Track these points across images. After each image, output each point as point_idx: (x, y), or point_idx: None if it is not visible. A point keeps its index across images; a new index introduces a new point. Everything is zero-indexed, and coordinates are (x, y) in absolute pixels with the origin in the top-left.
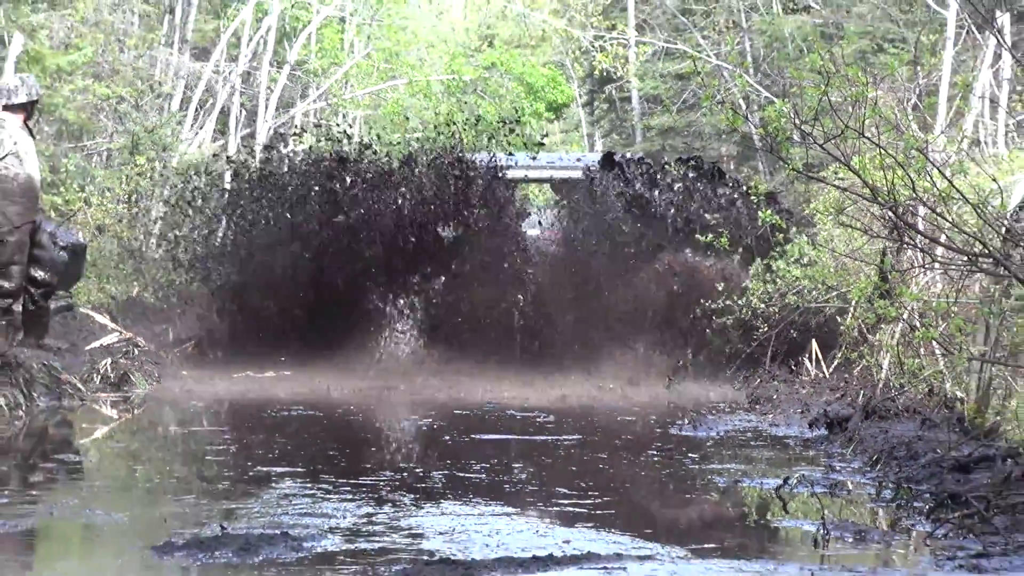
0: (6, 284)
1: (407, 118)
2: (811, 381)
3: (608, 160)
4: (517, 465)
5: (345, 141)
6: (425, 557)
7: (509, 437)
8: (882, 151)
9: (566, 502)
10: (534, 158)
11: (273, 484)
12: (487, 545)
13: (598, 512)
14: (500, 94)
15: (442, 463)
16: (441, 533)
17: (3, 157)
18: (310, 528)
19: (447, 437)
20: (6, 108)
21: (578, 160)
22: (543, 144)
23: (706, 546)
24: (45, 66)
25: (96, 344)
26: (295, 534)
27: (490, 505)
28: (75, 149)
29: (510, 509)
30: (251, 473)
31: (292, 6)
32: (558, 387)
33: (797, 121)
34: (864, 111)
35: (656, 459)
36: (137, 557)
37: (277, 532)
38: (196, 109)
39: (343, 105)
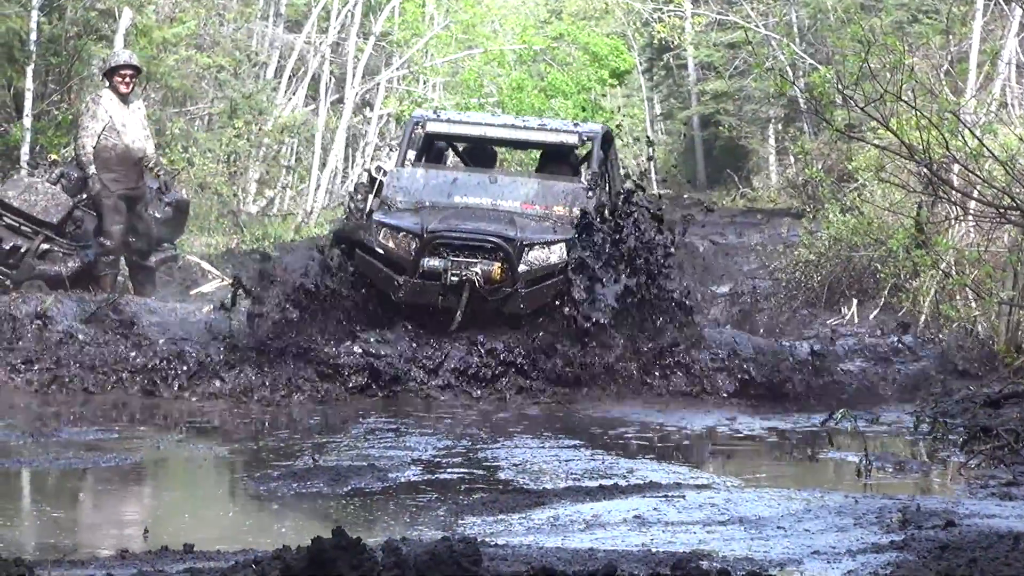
0: (108, 243)
1: (482, 84)
2: (850, 325)
3: (607, 139)
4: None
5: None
6: (500, 487)
7: None
8: (918, 113)
9: (630, 434)
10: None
11: (360, 420)
12: (557, 475)
13: (659, 445)
14: (567, 62)
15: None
16: (515, 465)
17: (101, 131)
18: (394, 460)
19: None
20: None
21: (575, 126)
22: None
23: (758, 476)
24: (152, 38)
25: (199, 290)
26: (381, 466)
27: (559, 439)
28: (179, 114)
29: (577, 442)
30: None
31: None
32: None
33: (840, 86)
34: (901, 77)
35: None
36: (238, 487)
37: (364, 464)
38: (289, 77)
39: (424, 73)
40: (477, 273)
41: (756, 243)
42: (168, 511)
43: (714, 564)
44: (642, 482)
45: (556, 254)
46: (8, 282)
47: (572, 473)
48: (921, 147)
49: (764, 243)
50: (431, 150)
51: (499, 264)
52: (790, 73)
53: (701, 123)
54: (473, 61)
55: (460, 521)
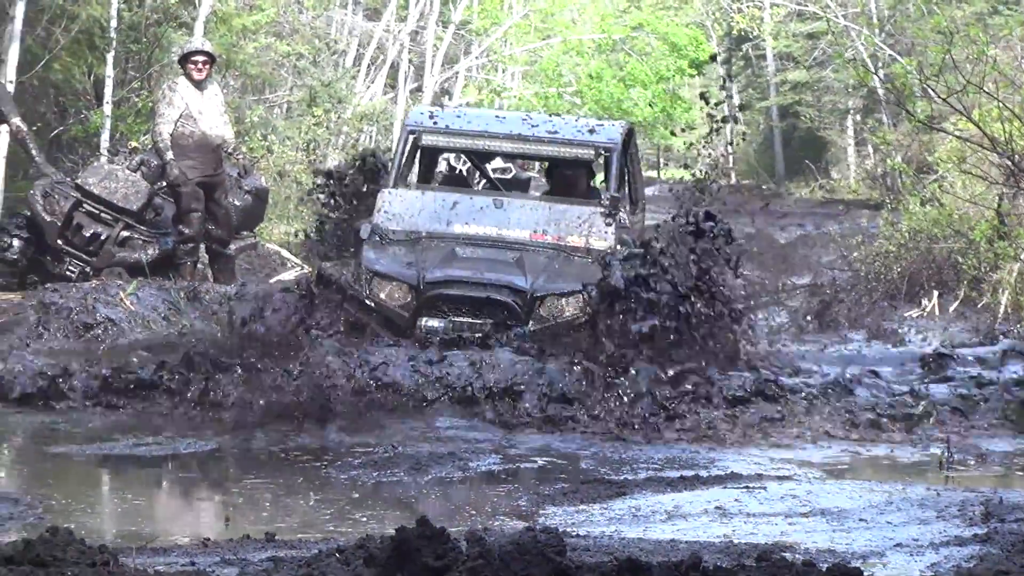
0: (187, 230)
1: (561, 73)
2: (931, 316)
3: (629, 135)
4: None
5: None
6: (580, 477)
7: None
8: (1001, 104)
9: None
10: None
11: (438, 410)
12: (637, 466)
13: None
14: (646, 52)
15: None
16: (594, 455)
17: (177, 118)
18: (474, 449)
19: None
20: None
21: (591, 132)
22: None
23: (839, 467)
24: (231, 26)
25: (278, 278)
26: (461, 454)
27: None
28: (258, 101)
29: (657, 434)
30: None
31: None
32: None
33: (921, 77)
34: (984, 68)
35: None
36: (318, 475)
37: (444, 452)
38: (368, 65)
39: (502, 61)
40: (479, 337)
41: (835, 234)
42: (248, 499)
43: (797, 556)
44: (723, 473)
45: (572, 306)
46: (89, 269)
47: (652, 463)
48: (1003, 138)
49: (843, 234)
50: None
51: (504, 324)
52: (870, 64)
53: (780, 114)
54: (551, 50)
55: (541, 511)
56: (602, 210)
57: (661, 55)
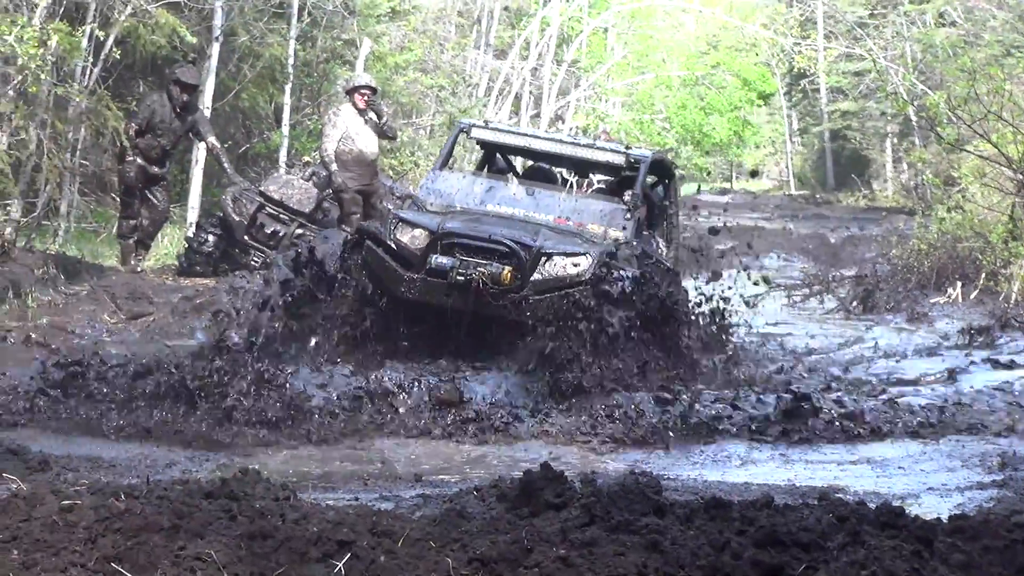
0: (349, 230)
1: (653, 103)
2: (954, 304)
3: (663, 169)
4: None
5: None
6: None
7: None
8: (1015, 129)
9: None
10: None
11: None
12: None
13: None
14: (722, 86)
15: None
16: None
17: (339, 138)
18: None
19: None
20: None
21: (626, 148)
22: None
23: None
24: (386, 63)
25: None
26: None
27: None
28: (407, 124)
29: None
30: None
31: (568, 20)
32: None
33: (949, 107)
34: (1001, 99)
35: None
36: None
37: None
38: (496, 95)
39: (605, 93)
40: (483, 273)
41: (876, 235)
42: (400, 445)
43: (849, 497)
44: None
45: (576, 267)
46: (269, 260)
47: (729, 417)
48: (1017, 157)
49: (883, 235)
50: (492, 165)
51: (509, 268)
52: (906, 96)
53: (831, 136)
54: (645, 84)
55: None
56: (623, 206)
57: (734, 88)
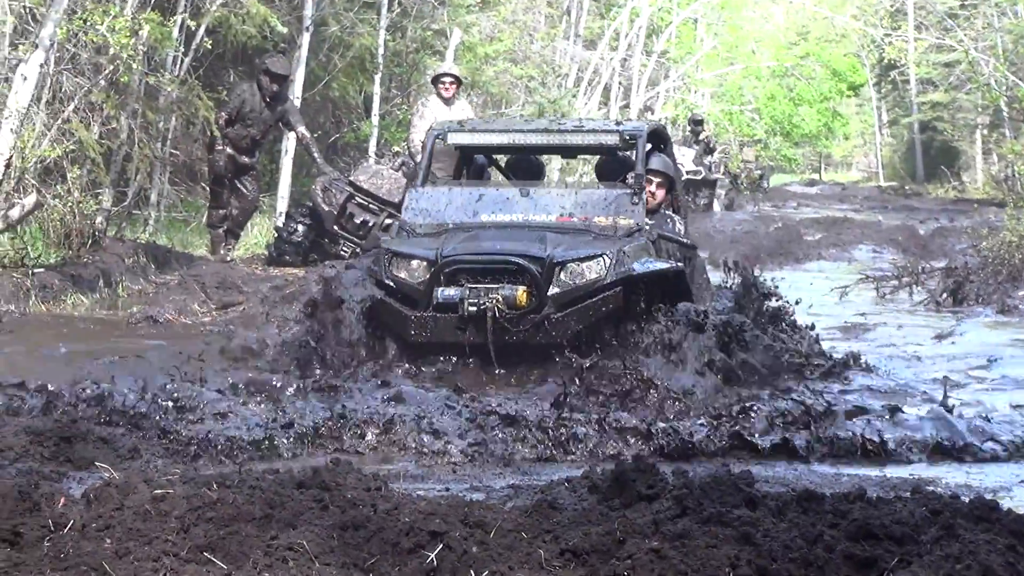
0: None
1: (743, 94)
2: None
3: (659, 138)
4: None
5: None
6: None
7: None
8: None
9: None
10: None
11: None
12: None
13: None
14: (812, 76)
15: None
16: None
17: (428, 128)
18: None
19: None
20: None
21: (616, 124)
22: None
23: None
24: (476, 53)
25: None
26: None
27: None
28: (497, 114)
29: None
30: None
31: (658, 10)
32: None
33: None
34: None
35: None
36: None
37: None
38: (585, 86)
39: (695, 84)
40: (497, 300)
41: (966, 227)
42: (490, 438)
43: (940, 490)
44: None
45: (594, 270)
46: (358, 250)
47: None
48: None
49: (973, 227)
50: (471, 166)
51: (523, 287)
52: (996, 88)
53: (920, 128)
54: (735, 75)
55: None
56: (628, 190)
57: (824, 79)
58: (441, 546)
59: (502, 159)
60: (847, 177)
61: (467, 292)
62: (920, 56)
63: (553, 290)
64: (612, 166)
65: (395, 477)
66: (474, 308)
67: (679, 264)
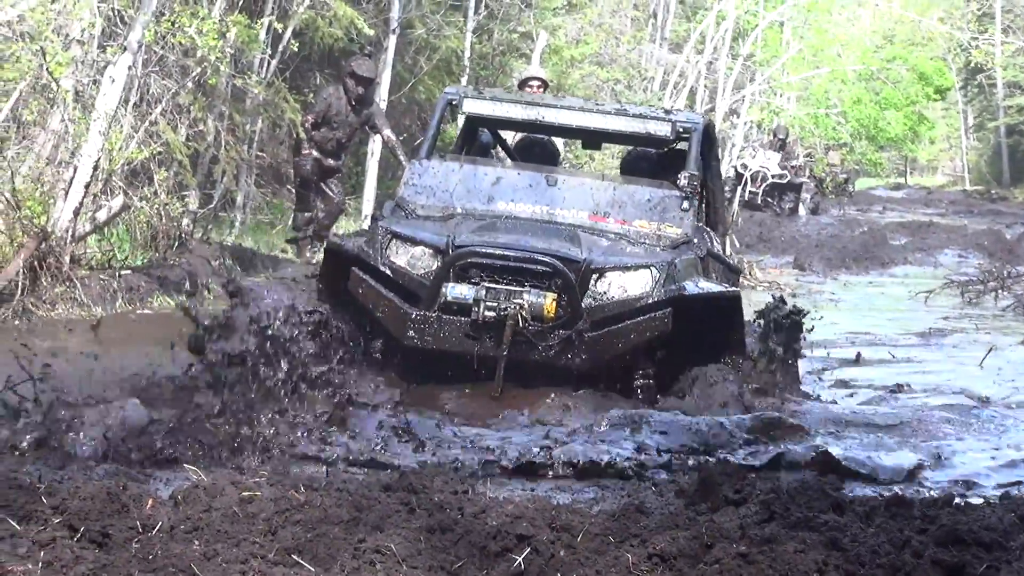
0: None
1: (829, 98)
2: None
3: (708, 137)
4: None
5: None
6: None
7: None
8: None
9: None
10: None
11: None
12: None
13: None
14: (898, 80)
15: None
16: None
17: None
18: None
19: None
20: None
21: (667, 112)
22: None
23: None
24: (562, 56)
25: None
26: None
27: None
28: None
29: None
30: None
31: (744, 13)
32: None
33: None
34: None
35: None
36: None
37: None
38: (671, 89)
39: (781, 87)
40: (522, 307)
41: None
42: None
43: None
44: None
45: (639, 284)
46: None
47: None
48: None
49: None
50: (473, 143)
51: (553, 295)
52: None
53: (1007, 131)
54: (821, 79)
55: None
56: (678, 192)
57: (910, 83)
58: (528, 550)
59: (510, 139)
60: (933, 181)
61: (484, 293)
62: (1007, 59)
63: (587, 302)
64: (642, 164)
65: (482, 477)
66: (492, 313)
67: (735, 288)
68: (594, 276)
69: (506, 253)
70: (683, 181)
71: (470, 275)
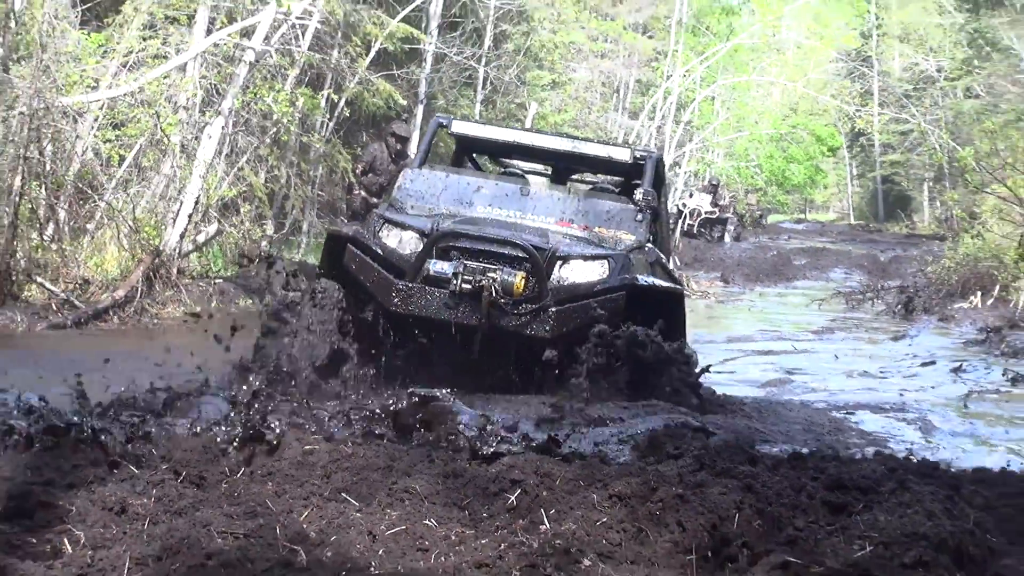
0: None
1: (748, 154)
2: (975, 309)
3: (659, 170)
4: None
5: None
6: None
7: None
8: None
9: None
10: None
11: None
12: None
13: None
14: (800, 140)
15: None
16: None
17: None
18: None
19: None
20: None
21: (627, 144)
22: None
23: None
24: (548, 121)
25: None
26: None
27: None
28: None
29: None
30: None
31: (685, 90)
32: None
33: (975, 159)
34: (1016, 154)
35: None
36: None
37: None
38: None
39: (712, 146)
40: (496, 280)
41: (915, 255)
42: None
43: (897, 452)
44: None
45: (597, 271)
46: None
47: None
48: None
49: (921, 255)
50: (463, 165)
51: (522, 274)
52: (940, 151)
53: (882, 180)
54: (742, 139)
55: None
56: (634, 206)
57: (810, 143)
58: (519, 491)
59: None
60: (826, 217)
61: (462, 268)
62: (882, 126)
63: (552, 283)
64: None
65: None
66: (468, 286)
67: (681, 287)
68: (559, 262)
69: (484, 236)
70: (639, 196)
71: (451, 255)
